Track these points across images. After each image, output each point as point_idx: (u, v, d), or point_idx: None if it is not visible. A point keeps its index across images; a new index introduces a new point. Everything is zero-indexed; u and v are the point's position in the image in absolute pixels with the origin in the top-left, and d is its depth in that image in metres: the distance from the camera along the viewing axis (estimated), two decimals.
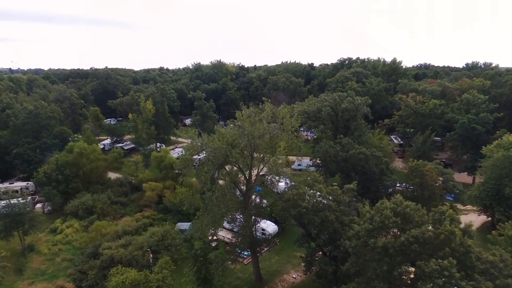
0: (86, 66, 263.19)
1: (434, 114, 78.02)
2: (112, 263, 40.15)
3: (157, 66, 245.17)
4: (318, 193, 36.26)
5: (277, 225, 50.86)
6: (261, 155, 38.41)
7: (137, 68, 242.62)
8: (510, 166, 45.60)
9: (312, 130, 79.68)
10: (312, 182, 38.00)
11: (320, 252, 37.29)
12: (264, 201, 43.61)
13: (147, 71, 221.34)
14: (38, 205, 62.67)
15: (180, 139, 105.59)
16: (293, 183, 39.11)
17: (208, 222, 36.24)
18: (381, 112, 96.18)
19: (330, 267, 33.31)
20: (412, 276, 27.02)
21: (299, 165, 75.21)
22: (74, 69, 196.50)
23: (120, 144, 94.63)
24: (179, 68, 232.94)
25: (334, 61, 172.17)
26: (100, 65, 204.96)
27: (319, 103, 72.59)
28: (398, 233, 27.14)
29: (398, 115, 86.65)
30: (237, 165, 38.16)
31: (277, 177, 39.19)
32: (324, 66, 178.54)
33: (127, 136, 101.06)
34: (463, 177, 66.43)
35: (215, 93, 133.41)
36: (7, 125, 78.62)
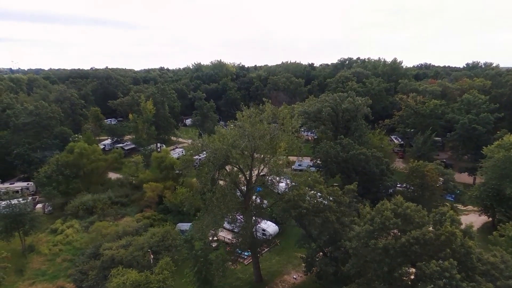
0: (86, 66, 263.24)
1: (435, 114, 77.96)
2: (112, 264, 40.09)
3: (157, 66, 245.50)
4: (318, 193, 36.25)
5: (278, 226, 50.86)
6: (262, 155, 38.40)
7: (137, 68, 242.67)
8: (511, 167, 45.54)
9: (313, 130, 79.66)
10: (313, 183, 37.99)
11: (321, 253, 37.27)
12: (265, 201, 43.60)
13: (148, 71, 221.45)
14: (39, 206, 62.69)
15: (180, 140, 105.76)
16: (293, 183, 39.10)
17: (208, 222, 36.22)
18: (381, 113, 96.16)
19: (330, 268, 33.27)
20: (412, 277, 26.99)
21: (299, 165, 75.19)
22: (74, 69, 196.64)
23: (121, 145, 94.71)
24: (179, 68, 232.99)
25: (335, 61, 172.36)
26: (100, 65, 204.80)
27: (320, 103, 72.60)
28: (399, 234, 27.12)
29: (398, 115, 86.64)
30: (237, 166, 38.15)
31: (277, 178, 39.19)
32: (324, 66, 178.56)
33: (128, 137, 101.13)
34: (463, 178, 66.38)
35: (216, 93, 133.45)
36: (7, 125, 78.69)
